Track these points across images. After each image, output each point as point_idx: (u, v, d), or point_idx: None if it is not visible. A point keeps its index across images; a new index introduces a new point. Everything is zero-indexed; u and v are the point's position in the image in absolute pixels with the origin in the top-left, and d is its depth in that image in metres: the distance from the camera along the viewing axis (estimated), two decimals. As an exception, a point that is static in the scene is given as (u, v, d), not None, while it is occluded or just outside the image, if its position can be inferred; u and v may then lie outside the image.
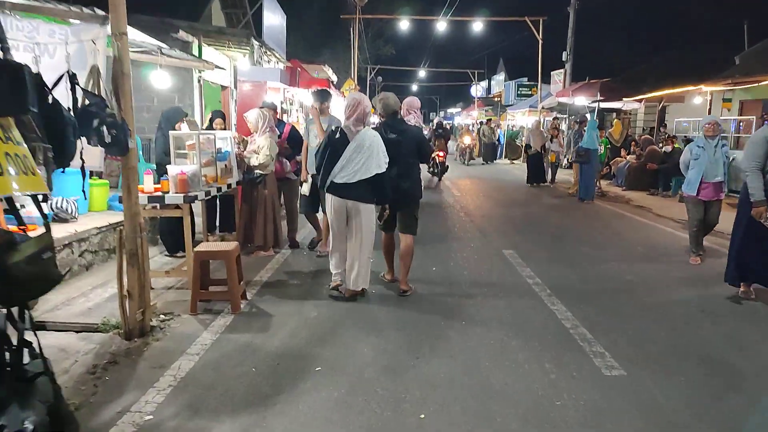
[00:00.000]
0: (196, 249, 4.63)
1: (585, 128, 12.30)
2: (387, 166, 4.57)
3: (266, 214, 6.36)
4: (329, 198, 4.66)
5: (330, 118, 6.13)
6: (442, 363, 3.61)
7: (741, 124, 13.81)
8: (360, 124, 4.61)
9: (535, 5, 22.72)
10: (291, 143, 6.83)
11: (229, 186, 6.09)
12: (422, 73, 43.22)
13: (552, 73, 24.87)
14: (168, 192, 5.11)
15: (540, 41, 22.27)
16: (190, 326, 4.24)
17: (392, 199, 4.80)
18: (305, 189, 6.31)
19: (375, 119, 21.38)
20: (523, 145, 17.20)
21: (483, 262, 6.29)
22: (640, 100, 16.09)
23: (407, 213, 5.00)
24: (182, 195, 5.03)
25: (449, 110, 61.28)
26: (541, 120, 16.50)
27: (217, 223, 7.28)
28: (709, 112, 13.33)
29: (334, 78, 23.25)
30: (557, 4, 22.33)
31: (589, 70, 23.10)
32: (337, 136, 4.57)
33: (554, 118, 19.16)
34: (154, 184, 5.22)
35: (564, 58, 22.57)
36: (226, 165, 6.05)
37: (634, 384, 3.34)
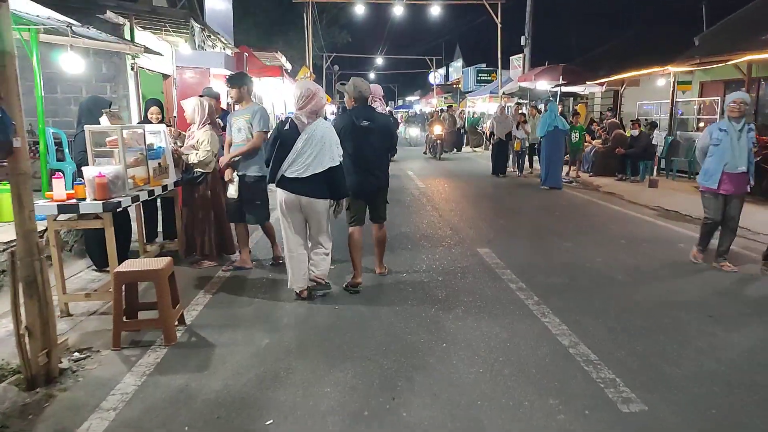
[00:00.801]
0: (116, 269, 3.79)
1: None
2: (341, 159, 4.39)
3: (210, 217, 5.53)
4: (280, 193, 4.39)
5: (253, 107, 5.24)
6: (424, 405, 2.93)
7: (702, 106, 13.66)
8: (313, 117, 4.34)
9: (492, -12, 22.15)
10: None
11: (165, 188, 5.23)
12: (380, 61, 42.42)
13: (511, 58, 24.57)
14: (84, 199, 4.23)
15: (499, 25, 21.86)
16: (110, 367, 3.42)
17: (365, 191, 4.76)
18: (231, 191, 5.35)
19: (332, 108, 20.70)
20: (486, 132, 16.54)
21: (458, 264, 5.64)
22: (602, 83, 15.77)
23: (379, 202, 4.97)
24: (101, 202, 4.16)
25: (407, 98, 60.70)
26: (503, 106, 15.91)
27: (160, 230, 6.42)
28: (673, 95, 13.12)
29: (288, 66, 22.19)
30: (515, -13, 21.85)
31: (548, 54, 22.87)
32: (287, 127, 4.31)
33: (517, 104, 18.73)
34: (68, 189, 4.34)
35: (523, 43, 22.22)
36: (160, 163, 5.18)
37: (659, 423, 2.74)
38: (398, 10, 22.91)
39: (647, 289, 4.87)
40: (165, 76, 10.29)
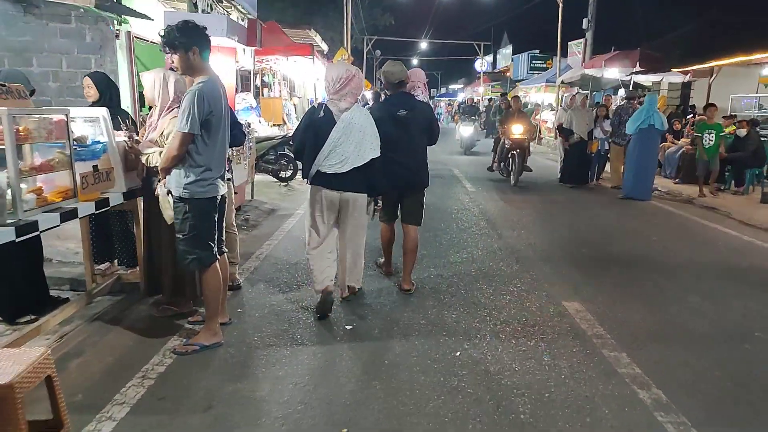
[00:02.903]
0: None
1: (636, 106, 9.65)
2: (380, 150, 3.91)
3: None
4: (316, 191, 3.88)
5: (207, 80, 3.20)
6: None
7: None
8: (351, 102, 3.82)
9: (552, -36, 19.83)
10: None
11: (104, 203, 3.52)
12: (423, 45, 40.09)
13: (570, 43, 22.16)
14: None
15: (560, 4, 19.48)
16: None
17: (399, 186, 4.33)
18: (167, 213, 3.42)
19: (368, 94, 18.58)
20: (554, 128, 11.37)
21: (539, 335, 3.71)
22: (686, 72, 13.39)
23: (414, 200, 4.47)
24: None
25: (450, 86, 58.21)
26: (574, 94, 13.42)
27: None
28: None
29: (324, 47, 20.41)
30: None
31: (611, 40, 20.50)
32: (321, 114, 3.80)
33: (577, 95, 16.37)
34: None
35: (585, 26, 19.87)
36: (95, 166, 3.45)
37: None
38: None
39: None
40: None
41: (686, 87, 16.10)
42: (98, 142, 3.49)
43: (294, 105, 14.73)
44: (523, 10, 33.40)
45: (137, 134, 3.88)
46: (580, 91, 18.35)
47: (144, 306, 4.06)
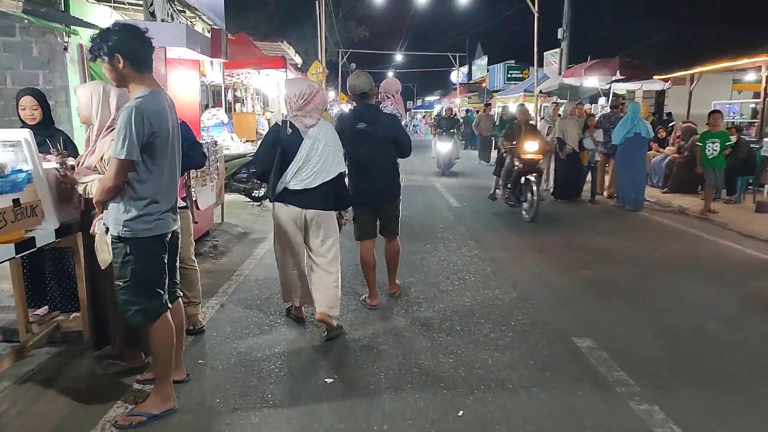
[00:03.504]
0: None
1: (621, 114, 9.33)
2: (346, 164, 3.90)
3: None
4: (280, 209, 3.75)
5: (146, 94, 2.62)
6: None
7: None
8: (317, 117, 3.72)
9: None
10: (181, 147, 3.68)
11: (30, 244, 2.91)
12: (399, 57, 39.93)
13: (546, 53, 22.12)
14: None
15: (536, 15, 19.32)
16: None
17: (366, 200, 4.27)
18: (101, 256, 2.81)
19: (345, 107, 17.92)
20: (552, 139, 9.80)
21: (553, 386, 3.17)
22: (666, 79, 13.22)
23: (388, 213, 4.44)
24: None
25: (426, 98, 58.17)
26: (557, 103, 12.97)
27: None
28: (765, 92, 10.52)
29: (299, 60, 19.90)
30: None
31: (587, 49, 20.48)
32: (289, 131, 3.67)
33: (554, 104, 16.12)
34: None
35: (560, 36, 19.82)
36: (16, 200, 2.84)
37: None
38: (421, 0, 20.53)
39: None
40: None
41: (660, 95, 16.03)
42: (20, 171, 2.89)
43: (267, 120, 14.15)
44: (497, 21, 33.60)
45: (72, 159, 3.28)
46: (559, 100, 18.18)
47: (87, 360, 3.44)
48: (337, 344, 3.69)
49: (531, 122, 9.22)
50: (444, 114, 17.55)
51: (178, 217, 2.94)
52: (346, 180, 3.95)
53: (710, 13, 19.88)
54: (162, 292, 2.76)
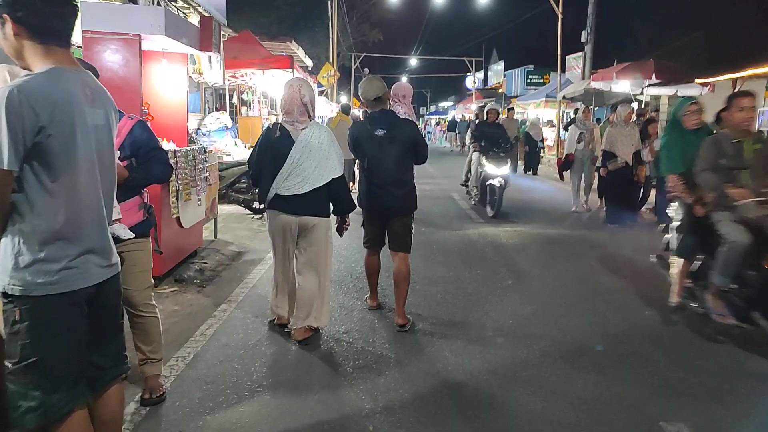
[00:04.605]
0: None
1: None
2: (343, 169, 3.76)
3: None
4: (273, 216, 3.67)
5: (40, 73, 1.75)
6: None
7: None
8: (305, 117, 3.62)
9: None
10: (135, 156, 2.78)
11: None
12: (413, 62, 39.05)
13: (568, 57, 21.13)
14: None
15: (560, 15, 18.36)
16: None
17: (378, 210, 4.13)
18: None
19: (357, 112, 16.95)
20: (600, 152, 8.34)
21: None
22: (707, 84, 12.19)
23: (400, 226, 4.10)
24: None
25: (440, 104, 57.23)
26: (588, 107, 11.71)
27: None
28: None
29: (309, 62, 19.08)
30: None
31: (612, 52, 19.53)
32: (278, 134, 3.60)
33: (578, 110, 15.08)
34: None
35: (584, 39, 18.90)
36: None
37: None
38: (437, 1, 19.68)
39: None
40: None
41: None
42: None
43: (274, 124, 13.31)
44: (514, 26, 32.59)
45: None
46: (580, 106, 17.14)
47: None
48: (343, 404, 2.75)
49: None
50: (485, 117, 9.70)
51: (114, 259, 2.02)
52: (356, 186, 3.48)
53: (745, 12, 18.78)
54: (72, 381, 1.84)
